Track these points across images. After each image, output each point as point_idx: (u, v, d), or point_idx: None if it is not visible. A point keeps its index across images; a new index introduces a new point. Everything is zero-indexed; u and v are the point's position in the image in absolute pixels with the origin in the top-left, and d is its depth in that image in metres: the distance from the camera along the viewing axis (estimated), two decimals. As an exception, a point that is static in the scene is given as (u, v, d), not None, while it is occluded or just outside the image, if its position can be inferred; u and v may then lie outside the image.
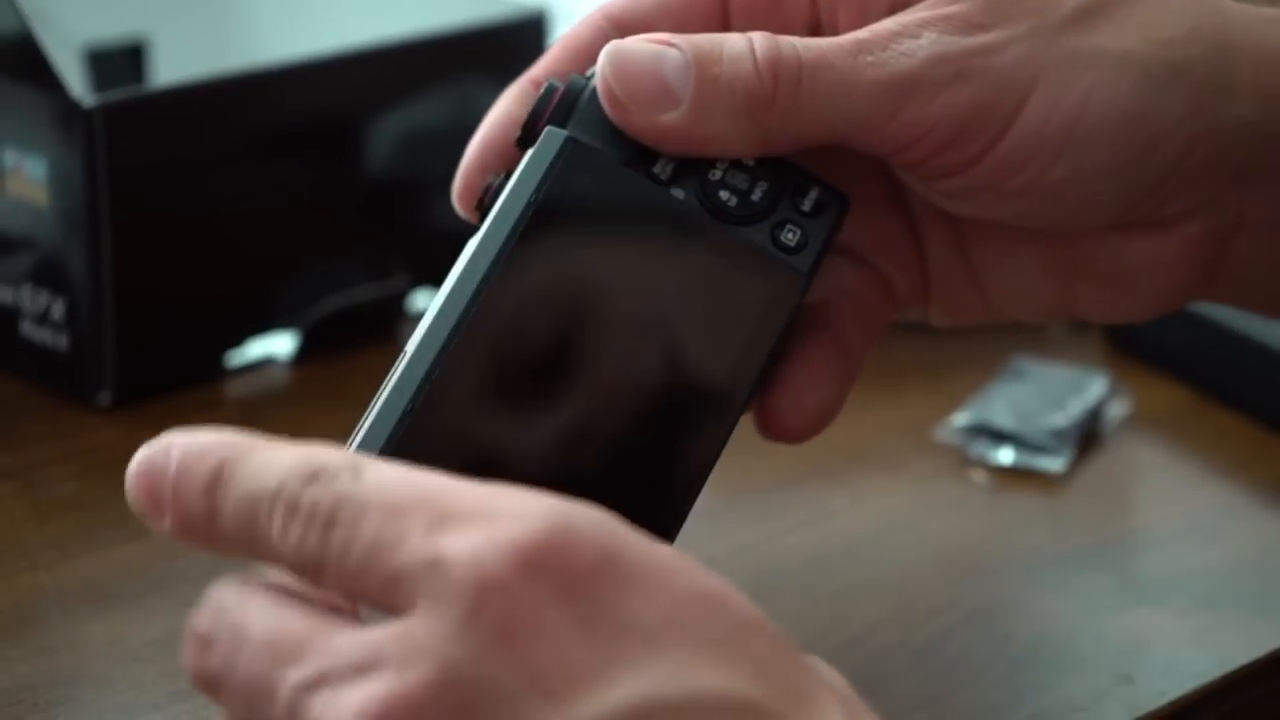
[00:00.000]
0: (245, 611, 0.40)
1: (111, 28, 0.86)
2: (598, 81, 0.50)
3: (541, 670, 0.37)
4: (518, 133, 0.51)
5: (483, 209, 0.51)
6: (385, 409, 0.46)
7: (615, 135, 0.49)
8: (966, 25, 0.49)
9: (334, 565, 0.39)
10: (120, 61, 0.86)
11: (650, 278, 0.48)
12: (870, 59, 0.49)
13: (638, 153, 0.50)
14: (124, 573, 0.59)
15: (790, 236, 0.49)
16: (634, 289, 0.48)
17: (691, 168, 0.50)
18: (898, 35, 0.49)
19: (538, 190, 0.47)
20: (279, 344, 0.75)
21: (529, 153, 0.48)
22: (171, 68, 0.85)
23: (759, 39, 0.49)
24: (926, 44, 0.49)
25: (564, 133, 0.48)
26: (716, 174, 0.50)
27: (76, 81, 0.83)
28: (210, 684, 0.40)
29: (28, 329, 0.71)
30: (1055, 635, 0.57)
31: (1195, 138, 0.50)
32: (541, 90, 0.51)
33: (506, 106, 0.53)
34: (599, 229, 0.48)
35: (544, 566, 0.37)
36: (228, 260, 0.73)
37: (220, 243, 0.73)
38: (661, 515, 0.47)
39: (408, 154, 0.78)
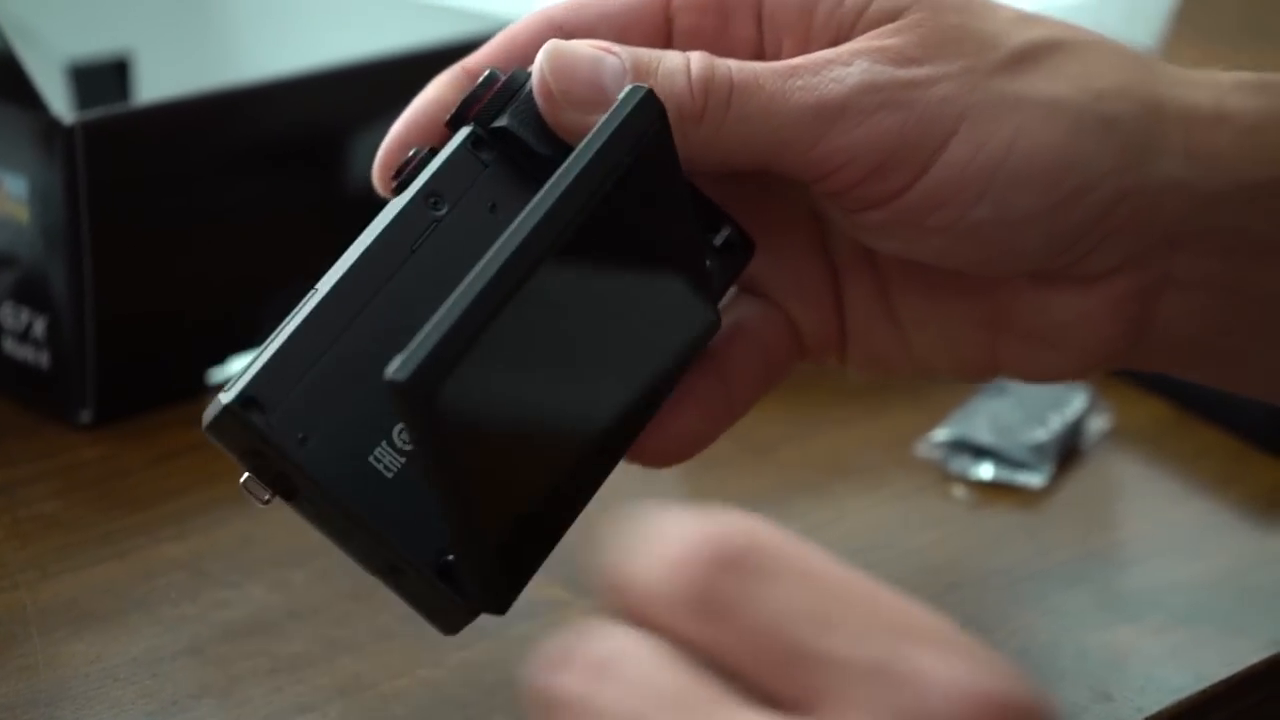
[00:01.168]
0: (648, 659, 0.36)
1: (96, 44, 0.86)
2: (534, 75, 0.50)
3: None
4: (448, 115, 0.50)
5: (401, 181, 0.49)
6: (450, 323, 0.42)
7: (548, 136, 0.49)
8: (900, 58, 0.49)
9: (725, 619, 0.35)
10: (104, 78, 0.86)
11: (646, 266, 0.48)
12: (800, 83, 0.49)
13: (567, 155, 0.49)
14: (104, 592, 0.59)
15: None
16: (634, 275, 0.48)
17: None
18: (830, 62, 0.49)
19: (634, 151, 0.46)
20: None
21: (618, 105, 0.46)
22: (156, 84, 0.85)
23: (696, 57, 0.49)
24: (857, 72, 0.49)
25: (648, 89, 0.46)
26: None
27: (60, 98, 0.84)
28: (571, 709, 0.36)
29: (9, 346, 0.71)
30: (1034, 651, 0.57)
31: (1124, 191, 0.50)
32: (483, 76, 0.50)
33: (438, 90, 0.52)
34: (650, 203, 0.48)
35: None
36: (210, 277, 0.73)
37: (202, 259, 0.73)
38: (574, 502, 0.47)
39: (391, 170, 0.78)
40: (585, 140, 0.45)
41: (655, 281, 0.49)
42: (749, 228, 0.52)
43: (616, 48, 0.49)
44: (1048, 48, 0.50)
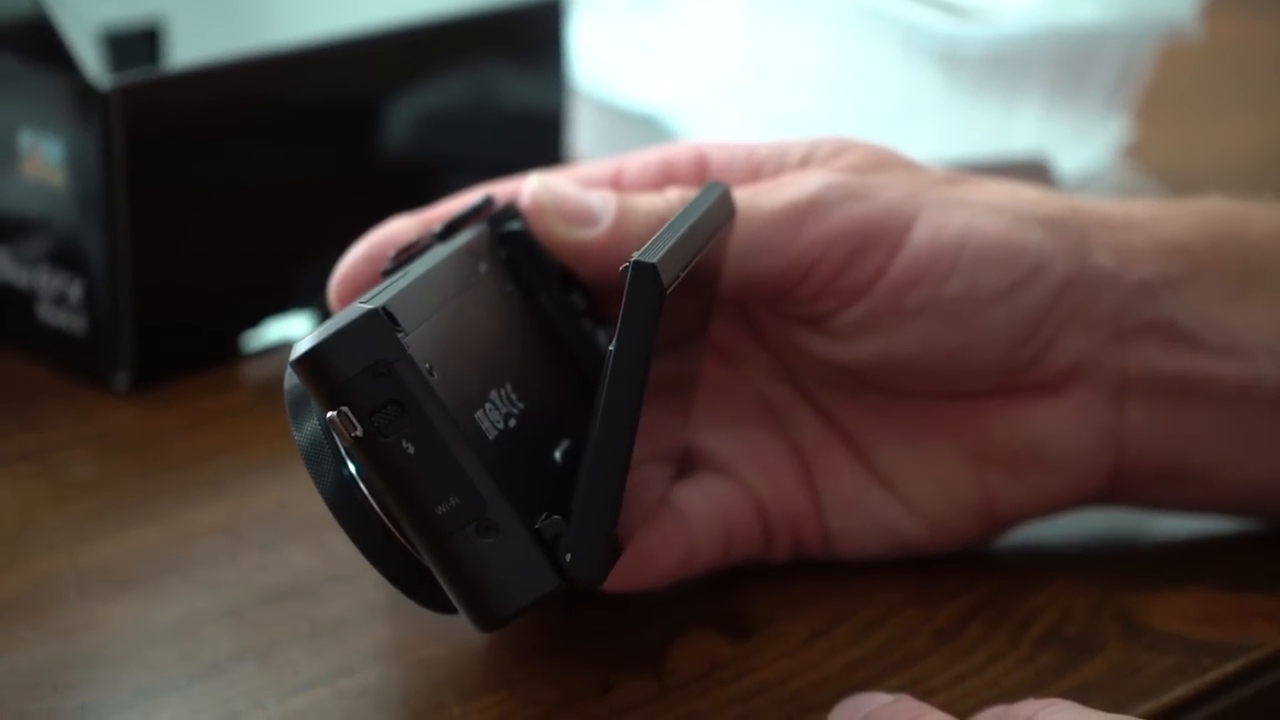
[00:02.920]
0: None
1: (127, 9, 0.85)
2: (524, 196, 0.54)
3: None
4: (438, 228, 0.53)
5: (398, 263, 0.52)
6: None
7: (540, 265, 0.54)
8: (851, 171, 0.56)
9: None
10: (136, 44, 0.85)
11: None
12: (767, 192, 0.54)
13: (561, 280, 0.54)
14: (142, 555, 0.59)
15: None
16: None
17: (595, 319, 0.55)
18: (789, 179, 0.55)
19: (654, 331, 0.46)
20: (296, 326, 0.75)
21: (635, 286, 0.45)
22: (188, 50, 0.85)
23: (672, 189, 0.55)
24: (817, 177, 0.55)
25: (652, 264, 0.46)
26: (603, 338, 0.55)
27: (93, 64, 0.83)
28: None
29: (45, 311, 0.71)
30: (1077, 615, 0.57)
31: (1068, 277, 0.55)
32: (479, 200, 0.54)
33: (397, 225, 0.56)
34: None
35: None
36: (245, 242, 0.73)
37: (237, 224, 0.72)
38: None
39: (425, 136, 0.78)
40: (624, 319, 0.46)
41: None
42: (702, 411, 0.56)
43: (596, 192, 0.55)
44: (968, 176, 0.58)
